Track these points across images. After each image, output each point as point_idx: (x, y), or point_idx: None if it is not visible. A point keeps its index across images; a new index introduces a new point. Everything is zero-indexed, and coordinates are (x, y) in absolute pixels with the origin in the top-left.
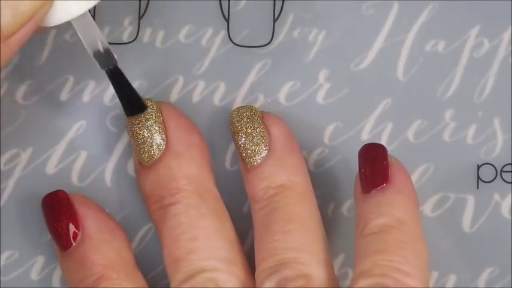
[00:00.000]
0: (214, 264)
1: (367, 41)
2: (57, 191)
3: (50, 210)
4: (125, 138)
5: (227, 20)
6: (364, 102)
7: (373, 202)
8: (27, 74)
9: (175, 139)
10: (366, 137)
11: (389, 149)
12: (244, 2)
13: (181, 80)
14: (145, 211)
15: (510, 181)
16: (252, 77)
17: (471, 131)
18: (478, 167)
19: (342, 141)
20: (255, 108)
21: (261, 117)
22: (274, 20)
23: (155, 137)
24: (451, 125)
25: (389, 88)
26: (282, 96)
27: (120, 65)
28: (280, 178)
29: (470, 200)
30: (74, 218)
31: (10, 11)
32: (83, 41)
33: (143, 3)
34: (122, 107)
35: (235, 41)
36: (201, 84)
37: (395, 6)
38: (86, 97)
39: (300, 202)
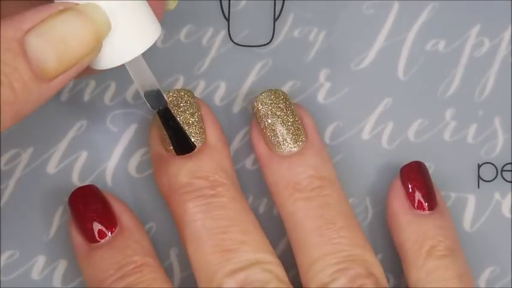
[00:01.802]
0: (267, 257)
1: (368, 40)
2: (89, 185)
3: (86, 201)
4: (125, 138)
5: (227, 20)
6: (364, 102)
7: (436, 222)
8: None
9: (213, 134)
10: (366, 137)
11: (390, 149)
12: (244, 1)
13: (181, 79)
14: (145, 210)
15: (511, 180)
16: (252, 77)
17: (472, 130)
18: (479, 166)
19: (343, 140)
20: (286, 94)
21: (293, 104)
22: (275, 20)
23: (196, 127)
24: (451, 124)
25: (390, 87)
26: None
27: (121, 65)
28: (325, 171)
29: (471, 199)
30: (110, 210)
31: (56, 56)
32: (134, 80)
33: None
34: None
35: (235, 41)
36: (202, 84)
37: (396, 5)
38: (86, 97)
39: (344, 199)
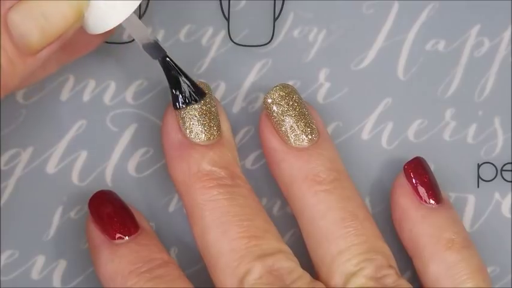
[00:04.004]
0: (286, 247)
1: (368, 40)
2: (107, 190)
3: (108, 205)
4: (125, 138)
5: (227, 20)
6: (364, 102)
7: (448, 215)
8: None
9: (226, 128)
10: (366, 137)
11: (390, 149)
12: (244, 1)
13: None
14: (145, 210)
15: (510, 180)
16: (252, 77)
17: (471, 130)
18: (479, 166)
19: (343, 140)
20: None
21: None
22: (275, 20)
23: (217, 119)
24: (451, 124)
25: (390, 87)
26: None
27: (120, 64)
28: (339, 163)
29: (471, 199)
30: (132, 213)
31: (38, 31)
32: (132, 34)
33: (143, 3)
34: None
35: (235, 41)
36: None
37: (396, 5)
38: (86, 96)
39: (358, 192)
